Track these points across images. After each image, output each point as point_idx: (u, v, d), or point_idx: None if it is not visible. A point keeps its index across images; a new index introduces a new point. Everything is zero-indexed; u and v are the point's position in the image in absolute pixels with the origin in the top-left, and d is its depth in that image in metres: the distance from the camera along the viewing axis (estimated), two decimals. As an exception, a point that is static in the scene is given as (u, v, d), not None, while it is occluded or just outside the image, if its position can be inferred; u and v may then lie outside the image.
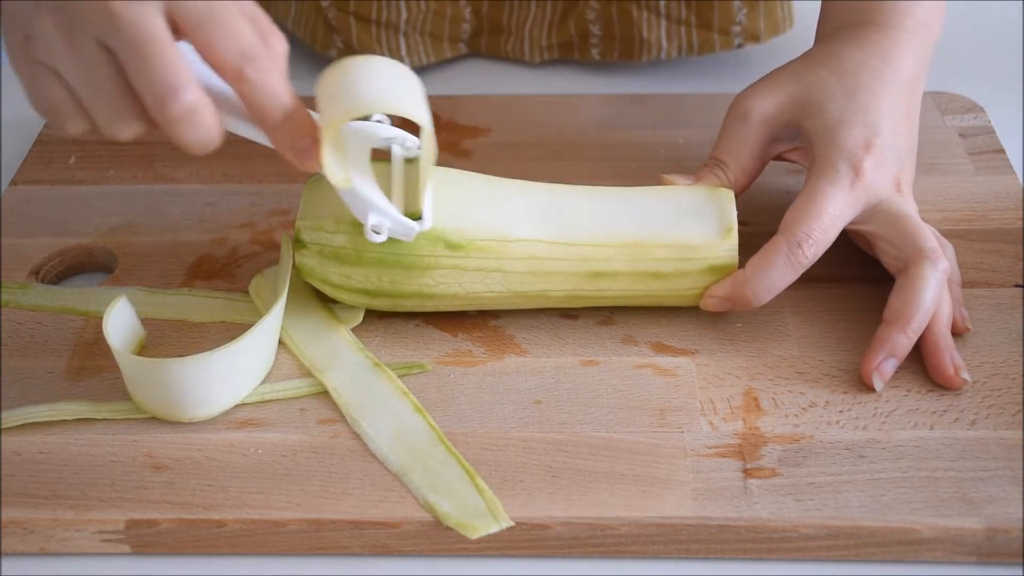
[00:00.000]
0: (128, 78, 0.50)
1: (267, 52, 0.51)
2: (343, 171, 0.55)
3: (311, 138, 0.53)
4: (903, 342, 0.57)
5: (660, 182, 0.64)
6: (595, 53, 0.84)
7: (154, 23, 0.49)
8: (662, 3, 0.81)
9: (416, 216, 0.58)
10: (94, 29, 0.49)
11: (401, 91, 0.55)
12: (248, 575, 0.52)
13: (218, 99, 0.52)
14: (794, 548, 0.52)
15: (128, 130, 0.51)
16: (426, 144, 0.56)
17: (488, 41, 0.86)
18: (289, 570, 0.53)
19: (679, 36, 0.83)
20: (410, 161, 0.59)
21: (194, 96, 0.50)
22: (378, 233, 0.57)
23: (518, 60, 0.86)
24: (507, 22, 0.85)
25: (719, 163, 0.63)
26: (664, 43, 0.83)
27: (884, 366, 0.57)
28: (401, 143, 0.59)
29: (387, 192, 0.58)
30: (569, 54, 0.85)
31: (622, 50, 0.84)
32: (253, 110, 0.52)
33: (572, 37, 0.84)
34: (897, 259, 0.59)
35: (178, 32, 0.50)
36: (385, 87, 0.54)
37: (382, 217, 0.57)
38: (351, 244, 0.59)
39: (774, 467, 0.54)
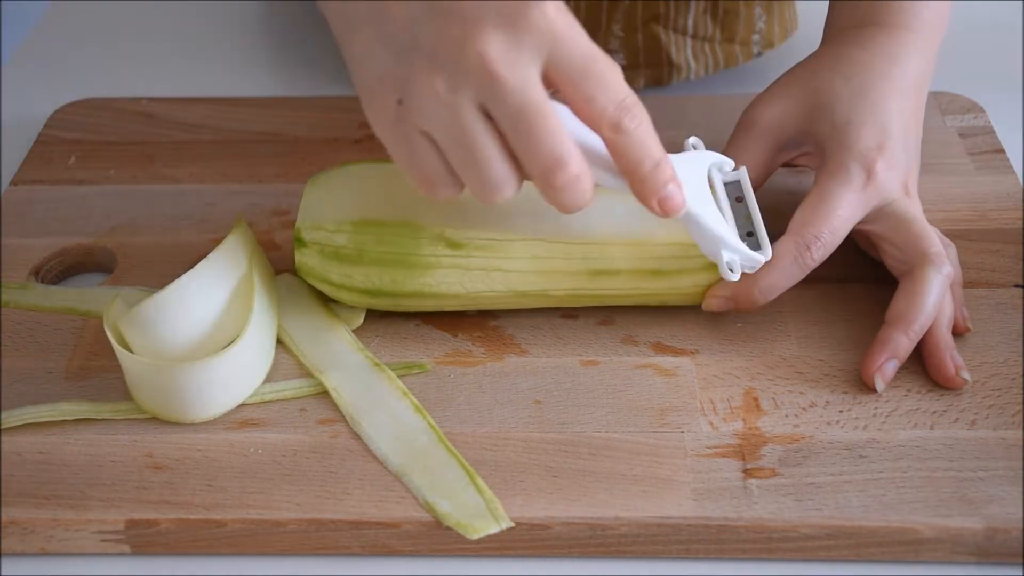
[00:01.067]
0: (509, 145, 0.49)
1: (639, 100, 0.51)
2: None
3: (674, 185, 0.52)
4: (905, 344, 0.57)
5: None
6: None
7: (536, 91, 0.48)
8: (689, 22, 0.80)
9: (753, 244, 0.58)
10: (476, 95, 0.48)
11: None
12: (248, 575, 0.52)
13: (584, 151, 0.51)
14: (794, 548, 0.52)
15: (502, 195, 0.51)
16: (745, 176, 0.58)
17: None
18: (289, 570, 0.53)
19: (704, 54, 0.81)
20: (727, 185, 0.59)
21: (578, 166, 0.50)
22: (732, 271, 0.56)
23: None
24: None
25: None
26: (692, 63, 0.81)
27: (886, 367, 0.57)
28: (719, 167, 0.59)
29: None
30: None
31: (649, 78, 0.81)
32: (624, 161, 0.51)
33: None
34: (901, 261, 0.59)
35: (551, 86, 0.50)
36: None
37: (733, 253, 0.56)
38: (351, 243, 0.59)
39: (774, 467, 0.54)
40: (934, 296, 0.57)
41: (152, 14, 0.95)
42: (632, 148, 0.51)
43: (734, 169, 0.59)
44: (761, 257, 0.57)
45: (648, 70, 0.82)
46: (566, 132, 0.49)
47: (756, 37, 0.82)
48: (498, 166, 0.50)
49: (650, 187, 0.52)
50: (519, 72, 0.48)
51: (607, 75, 0.50)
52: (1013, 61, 0.86)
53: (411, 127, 0.50)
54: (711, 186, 0.58)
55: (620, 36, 0.81)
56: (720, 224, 0.56)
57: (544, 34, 0.48)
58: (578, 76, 0.49)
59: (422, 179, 0.52)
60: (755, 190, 0.63)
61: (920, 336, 0.58)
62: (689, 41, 0.81)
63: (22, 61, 0.89)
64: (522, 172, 0.51)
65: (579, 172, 0.50)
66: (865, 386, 0.57)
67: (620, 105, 0.50)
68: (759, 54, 0.82)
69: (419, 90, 0.49)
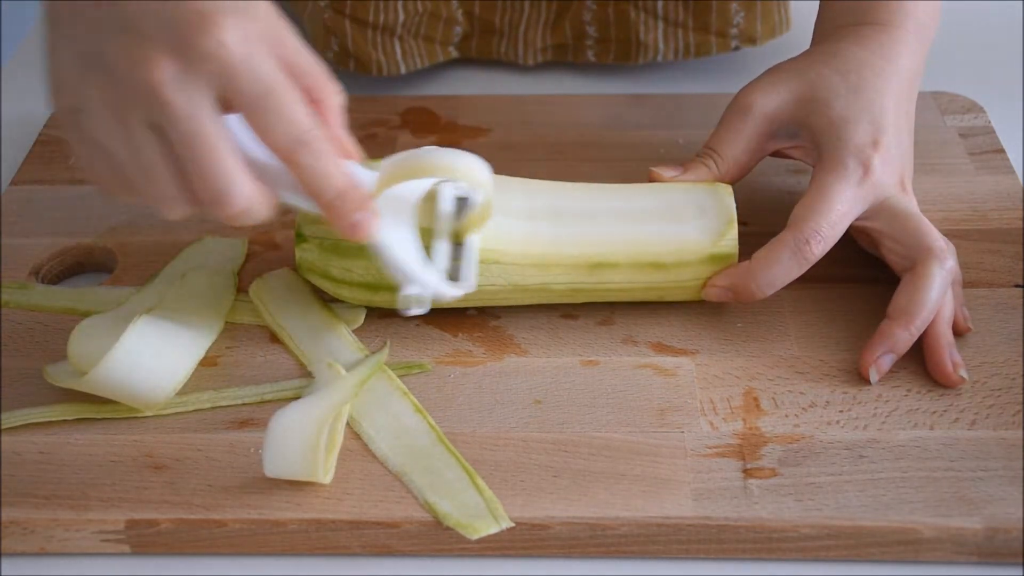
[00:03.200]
0: (179, 167, 0.49)
1: (319, 133, 0.50)
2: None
3: (364, 213, 0.52)
4: (905, 338, 0.58)
5: (649, 175, 0.64)
6: (591, 55, 0.83)
7: (204, 119, 0.48)
8: (659, 5, 0.81)
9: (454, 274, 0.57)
10: (145, 114, 0.48)
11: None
12: (248, 575, 0.52)
13: (270, 171, 0.51)
14: (794, 548, 0.52)
15: (177, 212, 0.51)
16: (480, 198, 0.56)
17: (479, 43, 0.84)
18: (289, 570, 0.53)
19: (676, 38, 0.82)
20: (461, 202, 0.58)
21: (246, 198, 0.49)
22: (413, 305, 0.55)
23: (511, 63, 0.85)
24: (500, 23, 0.83)
25: (712, 153, 0.63)
26: (661, 45, 0.82)
27: (882, 360, 0.57)
28: (454, 183, 0.58)
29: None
30: (563, 57, 0.84)
31: (618, 52, 0.83)
32: (308, 189, 0.51)
33: (567, 39, 0.83)
34: (904, 257, 0.59)
35: (229, 108, 0.49)
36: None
37: (420, 288, 0.55)
38: None
39: (774, 467, 0.54)
40: (937, 291, 0.58)
41: (152, 14, 0.95)
42: (312, 180, 0.51)
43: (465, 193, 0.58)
44: (454, 291, 0.56)
45: (617, 45, 0.83)
46: (234, 163, 0.49)
47: (734, 31, 0.82)
48: (168, 186, 0.49)
49: (335, 214, 0.52)
50: (188, 99, 0.47)
51: (283, 107, 0.49)
52: (1013, 61, 0.86)
53: (87, 135, 0.50)
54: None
55: (592, 9, 0.82)
56: (409, 258, 0.55)
57: (218, 62, 0.47)
58: (253, 107, 0.48)
59: (99, 183, 0.51)
60: (742, 175, 0.63)
61: (920, 331, 0.58)
62: (660, 24, 0.82)
63: (22, 61, 0.89)
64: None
65: (245, 207, 0.49)
66: (864, 383, 0.57)
67: (295, 140, 0.49)
68: (737, 48, 0.83)
69: (94, 104, 0.48)
